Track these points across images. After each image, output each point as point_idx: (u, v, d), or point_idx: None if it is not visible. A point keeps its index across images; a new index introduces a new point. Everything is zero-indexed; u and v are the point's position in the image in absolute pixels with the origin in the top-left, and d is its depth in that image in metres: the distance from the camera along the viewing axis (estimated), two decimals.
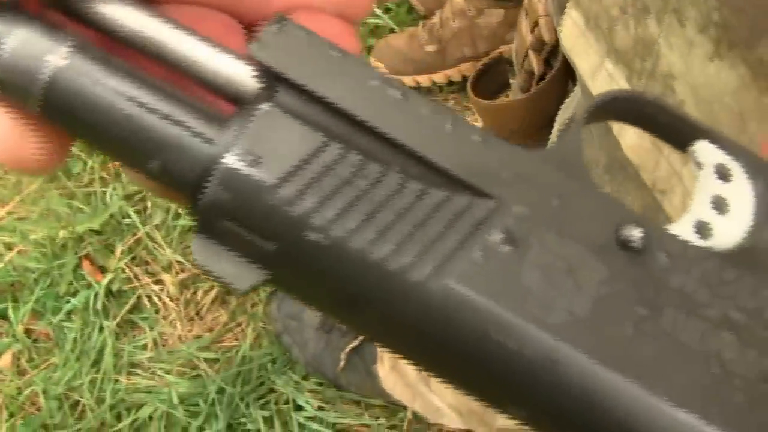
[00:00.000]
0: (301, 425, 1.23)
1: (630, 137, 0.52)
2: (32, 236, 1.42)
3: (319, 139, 0.22)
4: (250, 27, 0.26)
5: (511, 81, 1.15)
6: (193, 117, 0.22)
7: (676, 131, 0.25)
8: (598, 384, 0.20)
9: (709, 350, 0.21)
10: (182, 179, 0.22)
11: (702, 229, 0.23)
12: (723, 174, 0.23)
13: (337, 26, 0.26)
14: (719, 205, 0.23)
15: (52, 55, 0.22)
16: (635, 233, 0.22)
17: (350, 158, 0.22)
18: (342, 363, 1.24)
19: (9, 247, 1.43)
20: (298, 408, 1.25)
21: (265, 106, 0.22)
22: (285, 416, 1.25)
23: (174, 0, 0.24)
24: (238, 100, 0.23)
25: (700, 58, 0.44)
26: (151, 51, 0.23)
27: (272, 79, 0.23)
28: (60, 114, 0.22)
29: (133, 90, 0.22)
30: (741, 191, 0.23)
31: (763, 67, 0.41)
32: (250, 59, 0.23)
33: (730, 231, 0.22)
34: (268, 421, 1.24)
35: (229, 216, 0.21)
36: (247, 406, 1.25)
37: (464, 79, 1.43)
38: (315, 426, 1.23)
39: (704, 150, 0.24)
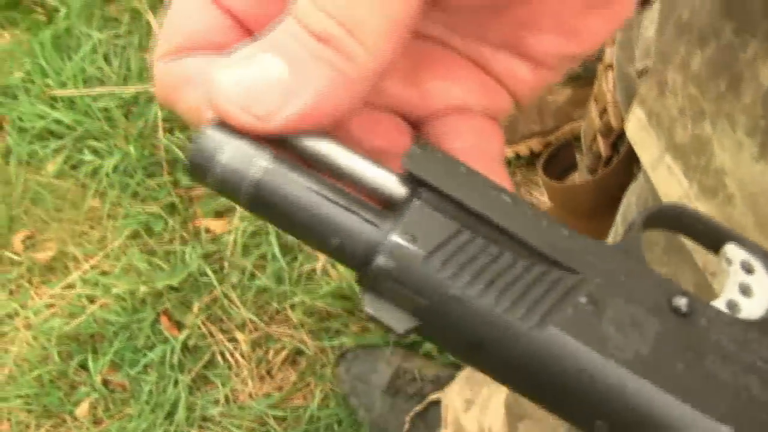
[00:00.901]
0: None
1: None
2: (114, 290, 1.48)
3: (454, 226, 0.29)
4: (415, 125, 0.32)
5: (578, 156, 1.19)
6: (362, 209, 0.29)
7: (710, 236, 0.33)
8: (657, 403, 0.27)
9: (740, 385, 0.28)
10: (354, 253, 0.29)
11: (732, 306, 0.31)
12: (747, 268, 0.31)
13: (484, 122, 0.32)
14: (745, 290, 0.31)
15: (259, 160, 0.28)
16: (682, 301, 0.29)
17: (477, 241, 0.29)
18: (407, 426, 1.27)
19: (91, 299, 1.50)
20: None
21: (416, 202, 0.29)
22: None
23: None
24: (386, 200, 0.30)
25: (747, 158, 0.49)
26: (327, 165, 0.30)
27: (417, 183, 0.30)
28: (264, 207, 0.29)
29: (321, 188, 0.29)
30: (762, 281, 0.31)
31: None
32: (398, 169, 0.30)
33: (753, 308, 0.30)
34: None
35: (393, 279, 0.28)
36: None
37: (532, 153, 1.48)
38: None
39: (732, 250, 0.32)
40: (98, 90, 1.65)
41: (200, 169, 0.29)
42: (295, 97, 0.26)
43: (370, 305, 0.29)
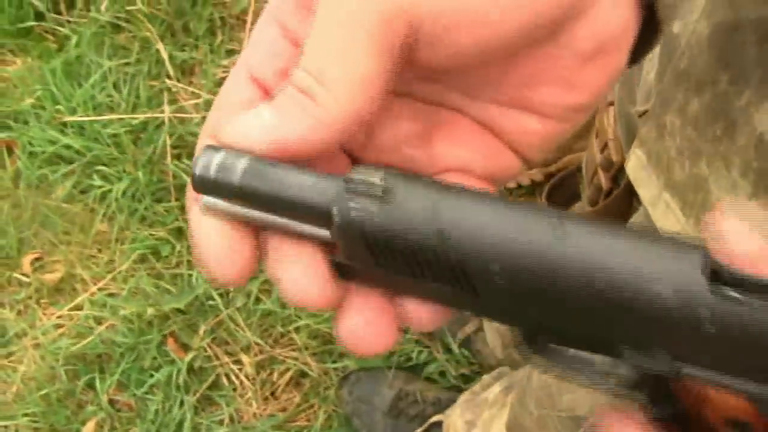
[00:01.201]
0: None
1: None
2: (121, 312, 1.52)
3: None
4: None
5: (581, 186, 1.24)
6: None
7: None
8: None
9: None
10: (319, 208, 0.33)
11: None
12: None
13: (481, 184, 0.36)
14: None
15: (244, 158, 0.33)
16: None
17: None
18: None
19: (99, 321, 1.53)
20: None
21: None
22: None
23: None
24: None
25: (742, 197, 0.54)
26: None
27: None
28: (252, 190, 0.32)
29: (290, 169, 0.33)
30: None
31: None
32: None
33: None
34: None
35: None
36: None
37: (533, 183, 1.53)
38: None
39: None
40: (108, 117, 1.70)
41: (199, 177, 0.33)
42: (276, 134, 0.32)
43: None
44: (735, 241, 0.26)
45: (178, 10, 1.83)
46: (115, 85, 1.75)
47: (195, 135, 1.66)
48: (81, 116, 1.70)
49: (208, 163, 0.32)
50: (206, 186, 0.33)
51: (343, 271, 0.33)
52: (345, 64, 0.30)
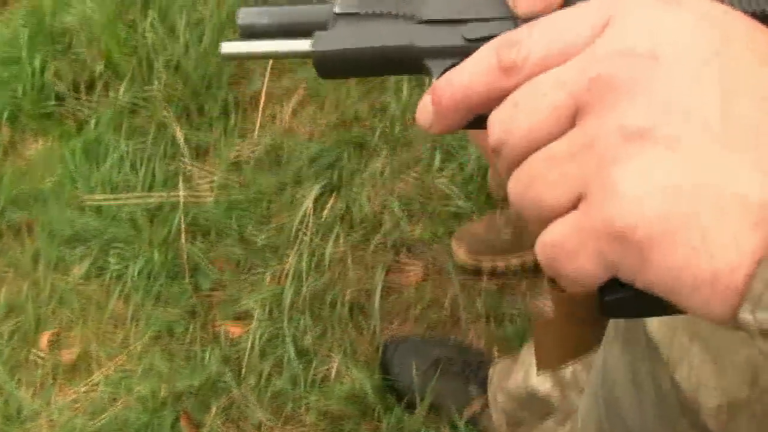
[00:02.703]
0: None
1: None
2: (135, 390, 1.55)
3: None
4: None
5: None
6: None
7: None
8: None
9: None
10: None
11: None
12: None
13: None
14: None
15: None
16: None
17: None
18: None
19: (114, 399, 1.56)
20: None
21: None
22: None
23: None
24: None
25: None
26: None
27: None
28: None
29: None
30: None
31: None
32: None
33: None
34: None
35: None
36: None
37: (537, 263, 1.56)
38: None
39: None
40: (125, 197, 1.75)
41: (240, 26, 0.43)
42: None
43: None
44: None
45: (194, 92, 1.90)
46: (132, 166, 1.81)
47: (208, 215, 1.71)
48: (99, 197, 1.76)
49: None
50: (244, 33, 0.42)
51: None
52: None
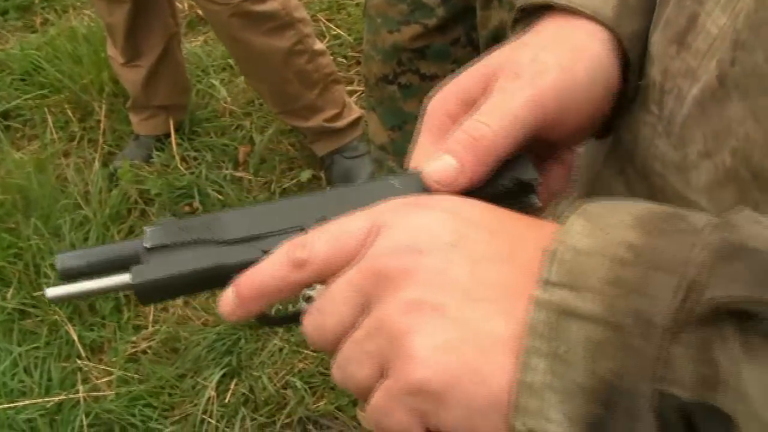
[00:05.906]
0: None
1: None
2: None
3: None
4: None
5: None
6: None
7: None
8: None
9: None
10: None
11: None
12: None
13: None
14: None
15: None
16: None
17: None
18: None
19: None
20: None
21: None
22: None
23: None
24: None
25: None
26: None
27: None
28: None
29: None
30: None
31: None
32: None
33: None
34: None
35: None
36: None
37: None
38: None
39: None
40: (22, 403, 1.74)
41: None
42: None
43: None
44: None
45: None
46: (26, 370, 1.80)
47: (110, 411, 1.72)
48: None
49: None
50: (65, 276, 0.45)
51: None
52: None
